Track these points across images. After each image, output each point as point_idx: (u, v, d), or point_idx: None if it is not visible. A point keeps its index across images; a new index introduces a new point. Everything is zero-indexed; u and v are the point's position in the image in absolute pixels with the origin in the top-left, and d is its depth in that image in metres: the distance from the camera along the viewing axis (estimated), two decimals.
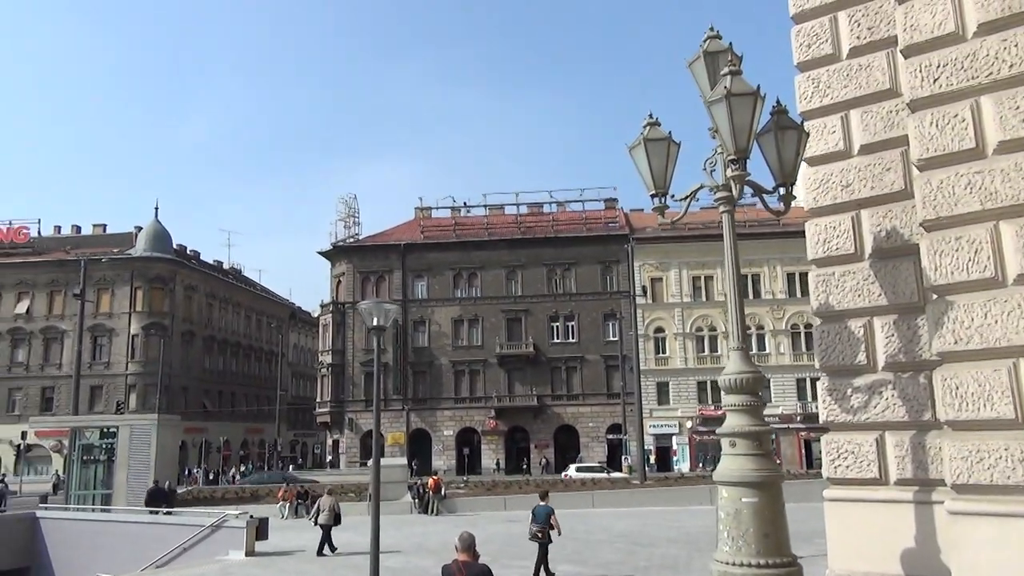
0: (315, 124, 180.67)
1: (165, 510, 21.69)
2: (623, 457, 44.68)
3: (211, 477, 50.05)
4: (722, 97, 5.64)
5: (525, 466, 50.27)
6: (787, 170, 6.06)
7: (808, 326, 50.19)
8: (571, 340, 52.72)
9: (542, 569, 12.93)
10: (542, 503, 13.46)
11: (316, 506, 18.03)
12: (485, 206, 57.09)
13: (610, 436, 50.55)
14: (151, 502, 23.06)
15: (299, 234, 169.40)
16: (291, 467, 56.53)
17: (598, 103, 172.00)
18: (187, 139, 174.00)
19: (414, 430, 52.06)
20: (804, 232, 6.52)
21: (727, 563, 5.28)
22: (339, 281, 54.99)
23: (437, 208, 58.28)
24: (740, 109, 5.61)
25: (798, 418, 48.24)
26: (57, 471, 44.94)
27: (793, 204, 6.36)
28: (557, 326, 52.96)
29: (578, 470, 40.67)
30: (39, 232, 60.68)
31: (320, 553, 16.70)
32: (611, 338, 51.57)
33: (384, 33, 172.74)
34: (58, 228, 63.68)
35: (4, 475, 43.04)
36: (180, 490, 32.73)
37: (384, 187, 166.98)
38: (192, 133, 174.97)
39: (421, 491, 27.71)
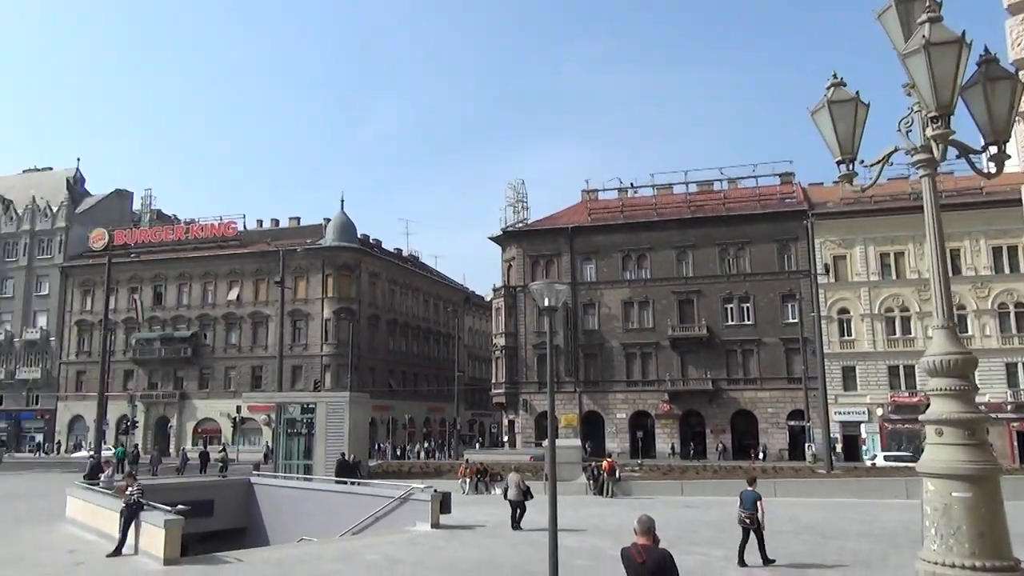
0: (485, 113, 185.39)
1: (352, 481, 23.42)
2: (806, 445, 42.45)
3: (398, 452, 53.30)
4: (920, 48, 5.09)
5: (692, 451, 49.04)
6: (999, 126, 5.37)
7: (1019, 305, 45.09)
8: (747, 322, 50.65)
9: (746, 554, 12.90)
10: (749, 488, 13.37)
11: (505, 482, 18.63)
12: (653, 186, 56.00)
13: (791, 423, 48.16)
14: (339, 473, 25.04)
15: (472, 221, 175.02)
16: (477, 445, 58.89)
17: (771, 75, 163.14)
18: (369, 135, 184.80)
19: (587, 412, 52.40)
20: (1011, 201, 5.84)
21: (936, 563, 4.82)
22: (510, 265, 56.27)
23: (604, 190, 58.00)
24: (941, 60, 5.05)
25: (1008, 407, 43.40)
26: (267, 442, 49.71)
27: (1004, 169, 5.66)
28: (731, 308, 51.06)
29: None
30: (244, 226, 67.08)
31: (515, 527, 17.31)
32: (790, 320, 49.02)
33: (551, 19, 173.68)
34: (260, 222, 70.01)
35: (225, 445, 48.11)
36: (371, 463, 35.05)
37: (551, 172, 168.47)
38: (373, 130, 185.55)
39: (596, 473, 27.85)
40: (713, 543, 15.89)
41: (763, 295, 50.40)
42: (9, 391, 66.45)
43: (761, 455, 46.51)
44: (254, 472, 28.74)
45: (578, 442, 36.99)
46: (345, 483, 22.70)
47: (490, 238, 57.86)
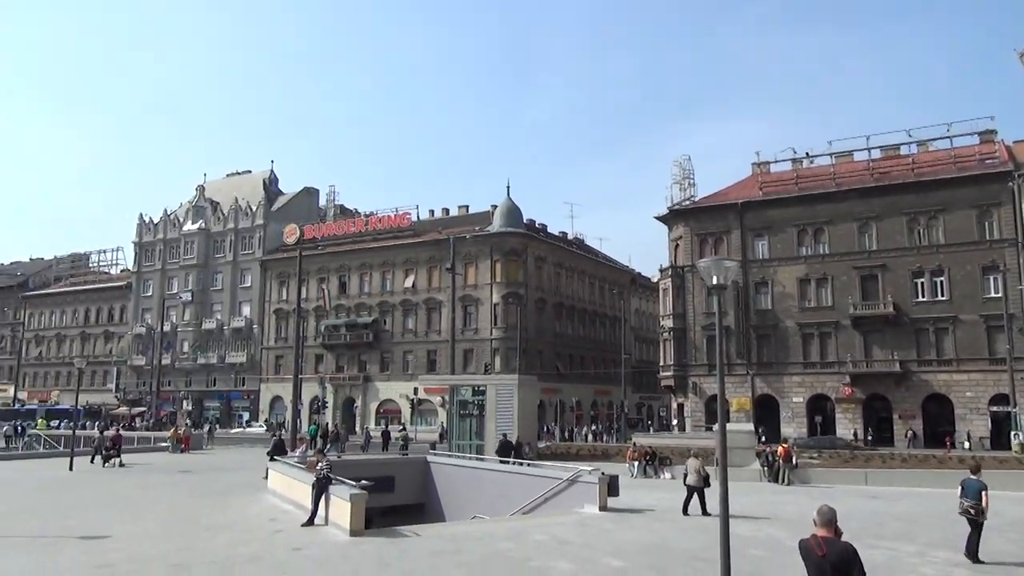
0: (648, 90, 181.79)
1: (518, 461, 24.03)
2: (1012, 433, 38.33)
3: (566, 435, 53.98)
4: None
5: (870, 438, 45.58)
6: None
7: None
8: (940, 298, 46.30)
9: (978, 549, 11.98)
10: (973, 476, 12.30)
11: (684, 468, 18.30)
12: (830, 155, 52.35)
13: (994, 408, 43.57)
14: (500, 453, 25.79)
15: (637, 201, 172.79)
16: (654, 428, 58.37)
17: (963, 24, 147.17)
18: (533, 120, 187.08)
19: (760, 395, 50.34)
20: None
21: None
22: (676, 245, 54.99)
23: (776, 162, 55.03)
24: None
25: None
26: (442, 422, 52.09)
27: None
28: (921, 282, 46.87)
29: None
30: (417, 216, 70.34)
31: (685, 512, 17.06)
32: (992, 294, 44.24)
33: None
34: (432, 212, 73.13)
35: (404, 425, 51.04)
36: (540, 445, 35.76)
37: (718, 147, 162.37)
38: (537, 114, 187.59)
39: (770, 459, 26.77)
40: (902, 537, 14.81)
41: (959, 268, 45.85)
42: (220, 374, 74.18)
43: (966, 443, 42.43)
44: (430, 451, 30.23)
45: (750, 426, 35.69)
46: (510, 463, 23.34)
47: (656, 217, 56.83)
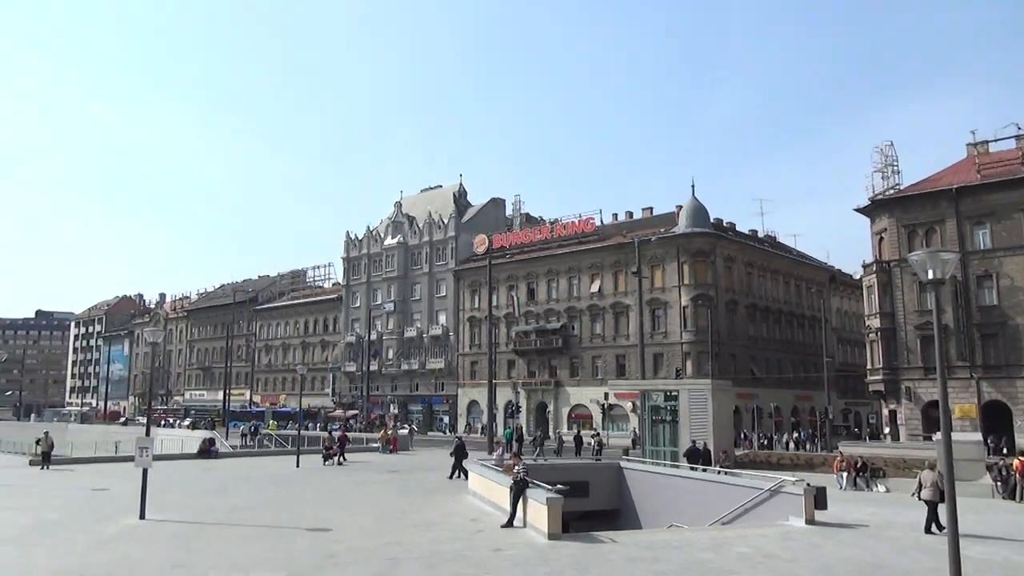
0: (836, 77, 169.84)
1: (710, 469, 23.33)
2: None
3: (764, 442, 51.49)
4: None
5: None
6: None
7: None
8: None
9: None
10: None
11: (918, 480, 16.86)
12: None
13: None
14: (690, 459, 25.16)
15: (830, 194, 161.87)
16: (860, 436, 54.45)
17: None
18: (715, 116, 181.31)
19: (987, 402, 45.10)
20: None
21: None
22: (881, 238, 50.76)
23: (996, 140, 49.11)
24: None
25: None
26: (634, 428, 51.76)
27: None
28: None
29: None
30: (601, 221, 70.52)
31: (928, 531, 15.74)
32: None
33: None
34: (615, 215, 73.00)
35: (597, 430, 51.28)
36: (737, 452, 34.49)
37: (921, 131, 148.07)
38: (719, 109, 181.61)
39: (1004, 473, 24.02)
40: None
41: None
42: (422, 379, 78.62)
43: None
44: (623, 457, 30.15)
45: (977, 436, 32.19)
46: (705, 471, 22.74)
47: (856, 209, 52.80)
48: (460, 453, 27.41)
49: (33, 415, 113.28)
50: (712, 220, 63.44)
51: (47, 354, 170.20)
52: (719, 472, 23.11)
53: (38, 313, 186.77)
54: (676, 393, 30.60)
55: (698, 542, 14.89)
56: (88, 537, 15.03)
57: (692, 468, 23.68)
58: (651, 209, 70.15)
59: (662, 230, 62.65)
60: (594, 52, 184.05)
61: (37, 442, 33.69)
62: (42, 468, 31.17)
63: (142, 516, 16.94)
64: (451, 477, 26.58)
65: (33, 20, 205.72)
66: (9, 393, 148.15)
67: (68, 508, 19.53)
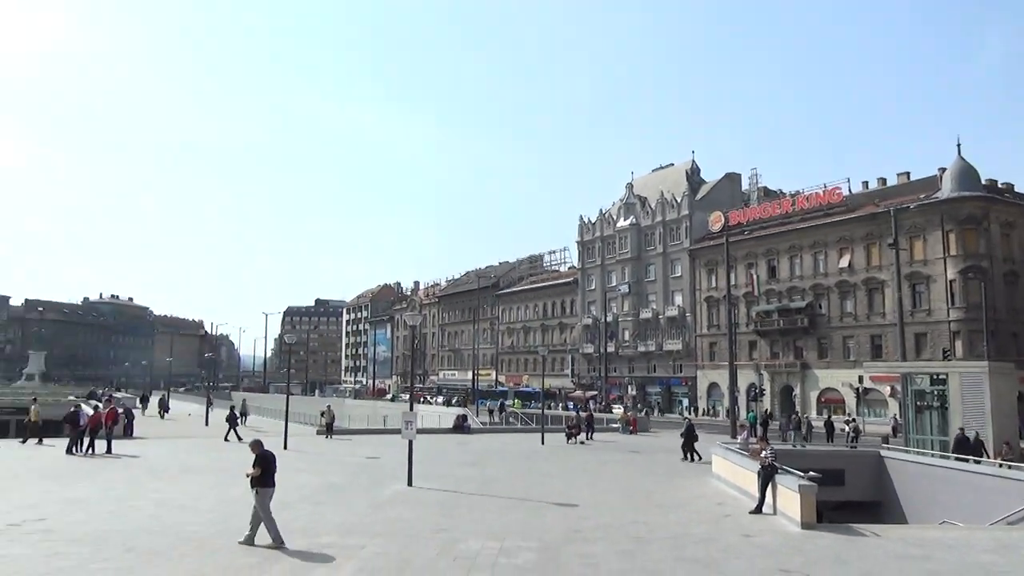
0: None
1: (993, 462, 20.81)
2: None
3: None
4: None
5: None
6: None
7: None
8: None
9: None
10: None
11: None
12: None
13: None
14: (957, 449, 22.62)
15: None
16: None
17: None
18: (982, 66, 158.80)
19: None
20: None
21: None
22: None
23: None
24: None
25: None
26: (894, 415, 47.51)
27: None
28: None
29: None
30: (849, 190, 65.10)
31: None
32: None
33: None
34: (865, 183, 67.01)
35: (851, 416, 47.77)
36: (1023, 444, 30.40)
37: None
38: (987, 57, 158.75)
39: None
40: None
41: None
42: (659, 361, 78.18)
43: None
44: (883, 445, 27.96)
45: None
46: (983, 463, 20.39)
47: None
48: (690, 435, 28.16)
49: (317, 391, 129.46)
50: (984, 182, 56.04)
51: (325, 337, 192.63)
52: (1000, 466, 20.59)
53: (317, 302, 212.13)
54: (944, 376, 27.60)
55: (978, 543, 13.48)
56: (366, 499, 17.09)
57: (958, 458, 21.43)
58: (907, 175, 63.45)
59: (922, 196, 56.46)
60: (839, 10, 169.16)
61: (321, 414, 38.70)
62: (327, 437, 35.69)
63: (409, 483, 18.88)
64: (684, 459, 27.40)
65: (303, 47, 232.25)
66: (295, 372, 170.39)
67: (347, 473, 22.23)
